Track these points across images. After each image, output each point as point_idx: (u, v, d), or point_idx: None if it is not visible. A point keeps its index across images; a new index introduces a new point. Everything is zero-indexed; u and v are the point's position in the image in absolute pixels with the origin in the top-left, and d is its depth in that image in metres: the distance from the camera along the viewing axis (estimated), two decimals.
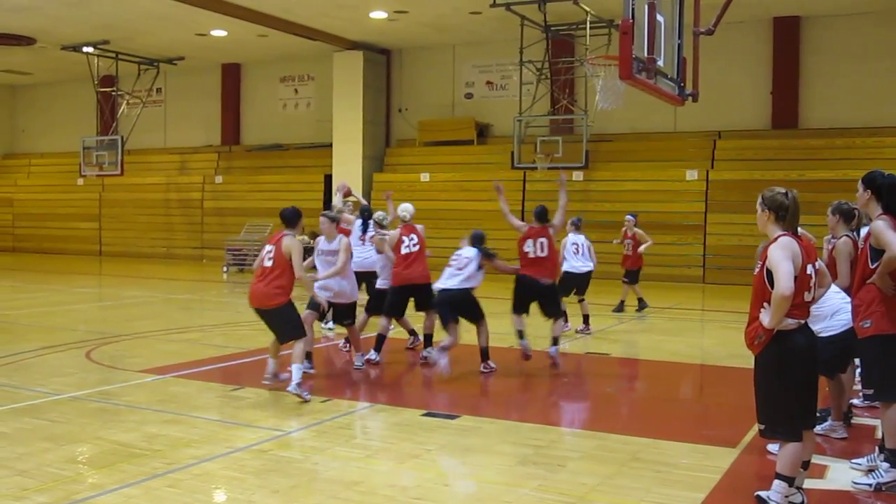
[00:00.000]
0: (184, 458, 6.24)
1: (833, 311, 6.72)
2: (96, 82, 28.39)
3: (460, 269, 9.60)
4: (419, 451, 6.55)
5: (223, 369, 9.99)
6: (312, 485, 5.73)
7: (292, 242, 8.18)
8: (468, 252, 9.70)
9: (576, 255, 13.04)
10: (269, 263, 8.21)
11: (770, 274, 4.99)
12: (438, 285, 9.75)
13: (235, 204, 28.61)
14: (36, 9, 22.31)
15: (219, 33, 25.22)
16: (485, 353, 9.85)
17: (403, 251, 10.14)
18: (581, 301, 13.29)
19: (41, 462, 6.15)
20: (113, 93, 29.12)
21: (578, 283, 13.14)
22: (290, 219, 8.39)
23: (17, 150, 35.93)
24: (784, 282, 4.86)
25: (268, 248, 8.31)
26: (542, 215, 10.27)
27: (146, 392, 8.59)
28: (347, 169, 26.40)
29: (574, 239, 13.18)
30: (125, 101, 29.21)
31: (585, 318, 13.19)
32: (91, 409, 7.90)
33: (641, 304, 15.56)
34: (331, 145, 27.03)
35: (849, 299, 6.37)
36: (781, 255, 4.96)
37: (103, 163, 28.66)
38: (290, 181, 27.95)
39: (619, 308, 15.45)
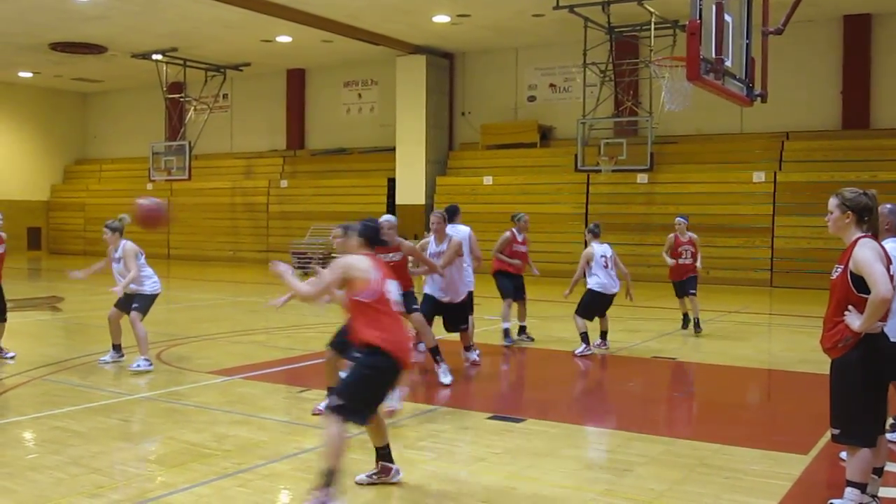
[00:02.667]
0: (253, 458, 6.33)
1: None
2: (165, 89, 29.06)
3: None
4: (485, 453, 6.55)
5: (289, 371, 10.11)
6: (380, 487, 5.76)
7: None
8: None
9: (605, 269, 11.06)
10: None
11: (854, 276, 4.86)
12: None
13: (300, 208, 28.96)
14: (107, 18, 22.89)
15: (284, 39, 25.58)
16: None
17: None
18: (602, 317, 11.56)
19: (115, 461, 6.30)
20: (181, 99, 29.75)
21: (607, 305, 11.36)
22: None
23: (89, 156, 36.87)
24: (882, 284, 4.71)
25: None
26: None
27: (215, 393, 8.73)
28: (411, 172, 26.59)
29: (602, 250, 11.09)
30: (193, 107, 29.80)
31: (603, 335, 11.54)
32: (162, 409, 8.07)
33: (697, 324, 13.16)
34: (394, 149, 27.22)
35: None
36: (872, 257, 4.81)
37: (171, 168, 29.35)
38: (354, 185, 28.23)
39: (695, 325, 13.16)
